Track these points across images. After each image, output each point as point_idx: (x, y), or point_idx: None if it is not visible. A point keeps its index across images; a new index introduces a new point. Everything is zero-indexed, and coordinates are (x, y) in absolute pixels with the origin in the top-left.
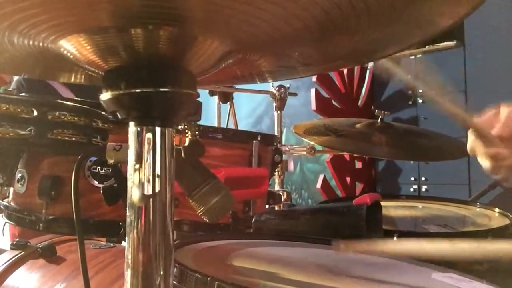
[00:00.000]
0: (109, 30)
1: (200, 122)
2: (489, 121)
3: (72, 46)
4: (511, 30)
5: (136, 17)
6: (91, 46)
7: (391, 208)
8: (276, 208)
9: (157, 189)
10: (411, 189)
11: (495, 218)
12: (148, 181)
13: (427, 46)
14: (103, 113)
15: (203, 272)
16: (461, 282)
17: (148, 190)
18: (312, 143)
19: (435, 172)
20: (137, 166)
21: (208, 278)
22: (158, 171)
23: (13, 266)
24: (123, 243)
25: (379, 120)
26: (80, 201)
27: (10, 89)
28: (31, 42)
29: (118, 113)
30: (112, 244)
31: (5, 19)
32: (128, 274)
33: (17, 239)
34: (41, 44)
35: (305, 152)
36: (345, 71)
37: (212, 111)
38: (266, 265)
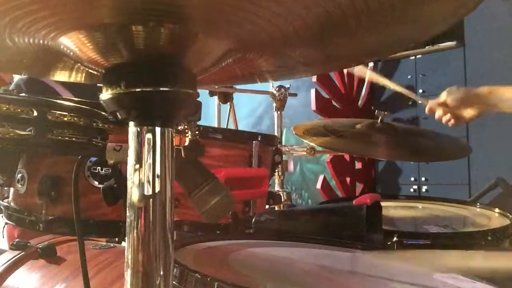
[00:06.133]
0: (110, 26)
1: (200, 122)
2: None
3: (73, 43)
4: (511, 30)
5: (137, 13)
6: (92, 43)
7: (391, 209)
8: (276, 209)
9: (157, 189)
10: (411, 190)
11: (495, 218)
12: (148, 181)
13: (427, 46)
14: (103, 113)
15: (203, 273)
16: (462, 283)
17: (148, 190)
18: (312, 144)
19: (435, 172)
20: (137, 166)
21: (208, 279)
22: (158, 171)
23: (13, 267)
24: (123, 244)
25: (379, 121)
26: (80, 202)
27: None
28: (31, 40)
29: (118, 113)
30: (112, 245)
31: (5, 16)
32: (128, 274)
33: (16, 239)
34: (41, 41)
35: (305, 153)
36: (345, 71)
37: (212, 112)
38: (266, 265)
